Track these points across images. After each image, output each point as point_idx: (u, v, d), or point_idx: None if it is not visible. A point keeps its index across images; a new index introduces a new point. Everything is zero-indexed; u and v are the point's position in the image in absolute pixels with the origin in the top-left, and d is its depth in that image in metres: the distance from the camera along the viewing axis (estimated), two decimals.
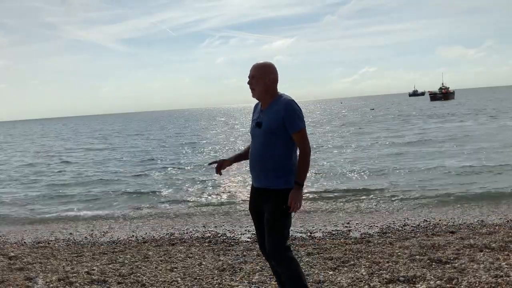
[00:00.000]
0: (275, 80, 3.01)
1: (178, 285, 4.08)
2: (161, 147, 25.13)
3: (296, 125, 2.89)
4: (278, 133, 2.91)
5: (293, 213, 2.97)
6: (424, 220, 7.00)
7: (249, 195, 3.25)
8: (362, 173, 12.10)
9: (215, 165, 3.26)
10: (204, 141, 27.58)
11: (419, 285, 3.67)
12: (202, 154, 20.11)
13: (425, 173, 11.53)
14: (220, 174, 3.26)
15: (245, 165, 14.62)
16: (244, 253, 5.17)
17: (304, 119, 2.95)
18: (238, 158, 3.29)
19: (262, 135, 2.96)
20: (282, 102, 2.93)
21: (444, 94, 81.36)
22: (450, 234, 5.63)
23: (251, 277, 4.17)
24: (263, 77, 2.98)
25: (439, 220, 6.94)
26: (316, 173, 12.16)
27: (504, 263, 4.06)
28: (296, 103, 2.94)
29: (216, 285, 4.01)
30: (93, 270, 4.64)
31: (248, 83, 3.04)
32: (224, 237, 6.30)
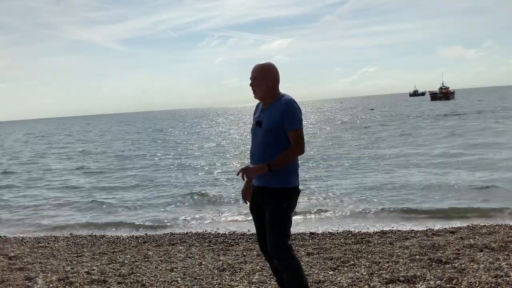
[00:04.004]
0: (276, 81, 3.02)
1: (178, 285, 4.08)
2: (157, 146, 25.17)
3: (293, 124, 2.91)
4: (278, 132, 2.92)
5: (293, 212, 2.99)
6: (424, 220, 7.01)
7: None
8: (364, 174, 12.09)
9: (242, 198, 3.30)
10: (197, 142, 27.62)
11: (419, 285, 3.66)
12: (202, 156, 20.09)
13: (426, 172, 11.51)
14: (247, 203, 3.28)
15: (244, 163, 14.60)
16: (244, 253, 5.17)
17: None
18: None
19: (263, 134, 2.97)
20: (282, 102, 2.95)
21: (444, 94, 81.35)
22: (450, 234, 5.63)
23: (251, 277, 4.17)
24: (264, 78, 2.99)
25: (439, 220, 6.95)
26: (317, 173, 12.17)
27: (504, 263, 4.05)
28: (296, 103, 2.96)
29: (216, 285, 4.01)
30: (93, 270, 4.64)
31: (250, 84, 3.05)
32: (224, 237, 6.30)
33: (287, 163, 2.90)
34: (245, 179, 3.06)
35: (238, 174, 2.94)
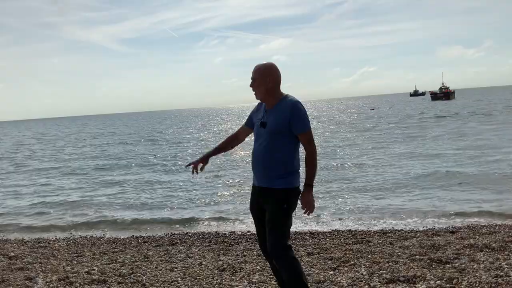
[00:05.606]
0: (276, 81, 3.00)
1: (178, 285, 4.08)
2: (154, 146, 25.19)
3: (303, 126, 2.91)
4: (283, 134, 2.92)
5: (294, 213, 2.98)
6: (424, 220, 7.01)
7: (249, 194, 3.25)
8: (364, 174, 12.09)
9: (191, 166, 3.24)
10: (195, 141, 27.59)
11: (419, 285, 3.67)
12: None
13: (425, 172, 11.50)
14: (197, 173, 3.25)
15: (246, 164, 14.53)
16: (244, 253, 5.17)
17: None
18: (216, 151, 3.31)
19: (266, 135, 2.96)
20: (288, 104, 2.94)
21: (445, 94, 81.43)
22: (450, 234, 5.63)
23: (251, 277, 4.17)
24: (264, 79, 2.97)
25: (439, 220, 6.95)
26: (317, 174, 12.14)
27: (504, 263, 4.06)
28: (301, 104, 2.95)
29: (216, 285, 4.01)
30: (93, 270, 4.64)
31: (250, 85, 3.04)
32: (224, 237, 6.30)
33: (316, 167, 2.96)
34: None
35: (308, 213, 2.92)
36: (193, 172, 3.24)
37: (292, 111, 2.90)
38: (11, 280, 4.41)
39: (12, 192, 12.50)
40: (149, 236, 6.81)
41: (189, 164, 3.27)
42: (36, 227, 8.21)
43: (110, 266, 4.82)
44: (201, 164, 3.25)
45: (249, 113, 3.26)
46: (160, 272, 4.50)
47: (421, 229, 6.28)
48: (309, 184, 2.91)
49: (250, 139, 3.19)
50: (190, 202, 9.66)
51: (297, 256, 3.40)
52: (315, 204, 2.99)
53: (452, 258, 4.35)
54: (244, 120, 3.33)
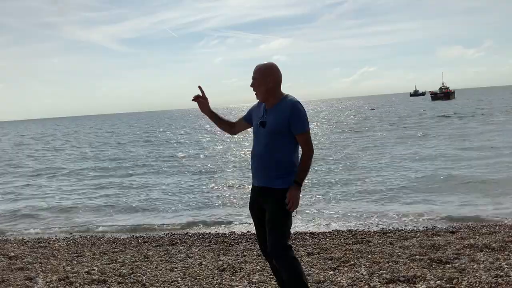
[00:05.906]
0: (276, 81, 2.99)
1: (178, 285, 4.08)
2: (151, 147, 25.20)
3: (301, 127, 2.91)
4: (282, 134, 2.92)
5: (293, 213, 2.98)
6: (424, 220, 7.01)
7: (249, 195, 3.25)
8: (364, 175, 12.09)
9: (199, 93, 3.23)
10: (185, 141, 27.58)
11: (419, 285, 3.67)
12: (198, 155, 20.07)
13: (425, 173, 11.51)
14: (194, 99, 3.23)
15: (245, 164, 14.52)
16: (244, 253, 5.18)
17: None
18: (217, 118, 3.28)
19: (266, 134, 2.96)
20: (288, 104, 2.94)
21: (445, 94, 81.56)
22: (450, 234, 5.64)
23: (251, 277, 4.17)
24: (265, 79, 2.98)
25: (439, 220, 6.95)
26: (317, 174, 12.16)
27: (504, 263, 4.06)
28: (301, 105, 2.95)
29: (216, 285, 4.01)
30: (93, 270, 4.64)
31: (251, 85, 3.04)
32: (224, 237, 6.30)
33: (309, 168, 2.94)
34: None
35: (291, 209, 2.88)
36: (195, 98, 3.22)
37: (292, 111, 2.90)
38: (11, 280, 4.41)
39: (9, 194, 12.48)
40: (149, 236, 6.81)
41: (201, 89, 3.23)
42: (34, 229, 8.19)
43: (110, 266, 4.82)
44: (203, 103, 3.23)
45: (248, 109, 3.26)
46: (160, 272, 4.51)
47: (421, 229, 6.29)
48: (298, 182, 2.90)
49: (248, 138, 3.17)
50: (190, 203, 9.66)
51: (297, 256, 3.40)
52: (301, 203, 2.96)
53: (452, 258, 4.36)
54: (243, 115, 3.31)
